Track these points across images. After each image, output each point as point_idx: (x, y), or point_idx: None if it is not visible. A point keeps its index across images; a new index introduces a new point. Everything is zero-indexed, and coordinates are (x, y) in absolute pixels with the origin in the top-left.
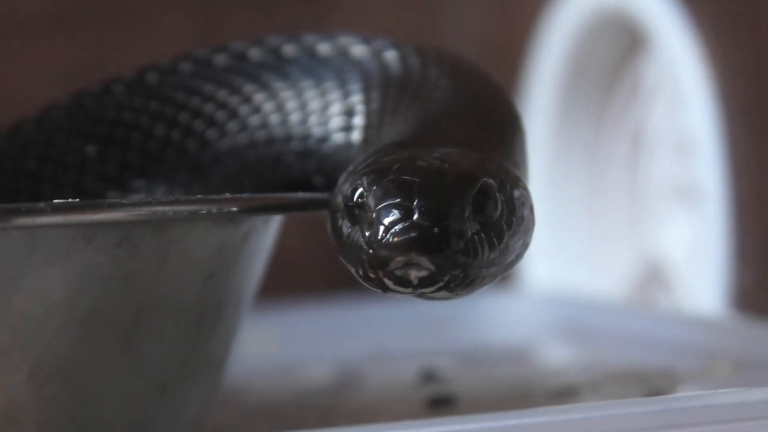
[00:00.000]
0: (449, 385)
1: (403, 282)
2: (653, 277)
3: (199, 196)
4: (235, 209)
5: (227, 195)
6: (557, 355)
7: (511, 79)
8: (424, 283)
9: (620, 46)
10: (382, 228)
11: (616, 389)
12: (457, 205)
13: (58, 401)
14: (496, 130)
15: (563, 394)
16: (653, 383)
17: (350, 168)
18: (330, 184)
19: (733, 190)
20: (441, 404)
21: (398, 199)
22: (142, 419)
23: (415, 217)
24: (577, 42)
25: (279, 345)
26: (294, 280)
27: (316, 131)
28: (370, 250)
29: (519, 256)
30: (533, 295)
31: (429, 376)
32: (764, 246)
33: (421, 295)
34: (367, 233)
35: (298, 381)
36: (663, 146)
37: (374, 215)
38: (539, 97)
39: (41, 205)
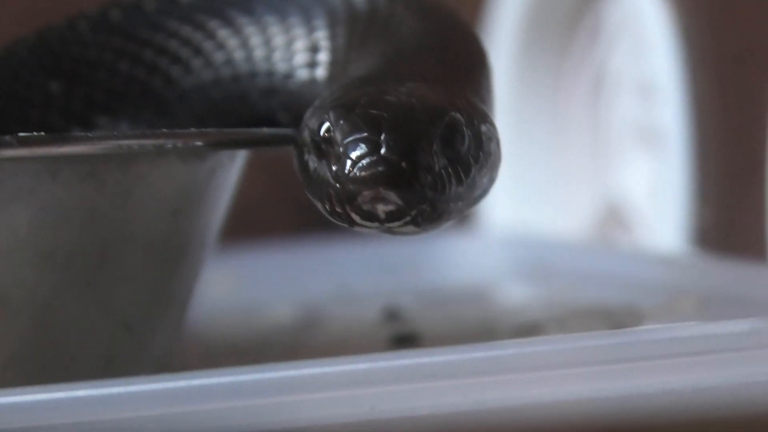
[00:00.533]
0: (413, 324)
1: (371, 216)
2: (614, 217)
3: (164, 130)
4: (200, 144)
5: (193, 130)
6: (520, 294)
7: (473, 20)
8: (391, 217)
9: None
10: (349, 162)
11: (580, 325)
12: (425, 139)
13: (25, 338)
14: (463, 65)
15: (528, 330)
16: (617, 319)
17: (317, 102)
18: (295, 121)
19: (695, 130)
20: (405, 342)
21: (366, 134)
22: (108, 355)
23: (383, 151)
24: None
25: (243, 286)
26: (258, 221)
27: (281, 67)
28: (337, 185)
29: (485, 191)
30: (495, 235)
31: (392, 315)
32: (725, 186)
33: (388, 230)
34: (334, 168)
35: (262, 321)
36: (625, 88)
37: (341, 149)
38: (501, 38)
39: (7, 138)
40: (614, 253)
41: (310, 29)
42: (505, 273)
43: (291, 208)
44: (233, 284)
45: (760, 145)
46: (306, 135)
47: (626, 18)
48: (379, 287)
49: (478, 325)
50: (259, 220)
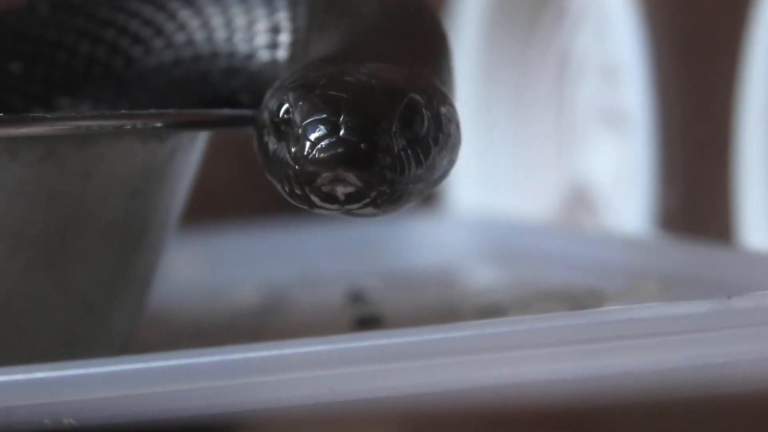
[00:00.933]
0: (376, 306)
1: (330, 198)
2: (579, 200)
3: (124, 111)
4: (160, 125)
5: (153, 110)
6: (483, 276)
7: (437, 3)
8: (351, 199)
9: None
10: (308, 143)
11: (543, 307)
12: (385, 120)
13: None
14: (424, 47)
15: (490, 312)
16: (580, 301)
17: (277, 84)
18: (257, 102)
19: (659, 113)
20: (368, 324)
21: (325, 115)
22: (69, 337)
23: (342, 132)
24: None
25: (206, 269)
26: (220, 204)
27: (242, 48)
28: (297, 166)
29: (445, 173)
30: (459, 217)
31: (356, 298)
32: (689, 169)
33: (348, 212)
34: (293, 149)
35: (226, 303)
36: (589, 71)
37: (300, 131)
38: (466, 21)
39: None
40: (579, 235)
41: (272, 10)
42: (471, 255)
43: (256, 190)
44: (198, 266)
45: (724, 127)
46: (265, 116)
47: (589, 1)
48: (344, 269)
49: (442, 307)
50: (224, 202)
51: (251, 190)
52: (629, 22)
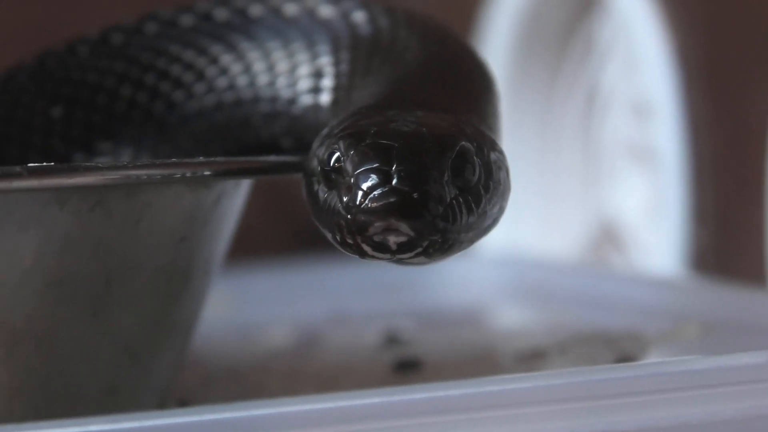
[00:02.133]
0: (413, 348)
1: (382, 248)
2: (608, 237)
3: (173, 159)
4: (208, 173)
5: (201, 159)
6: (517, 317)
7: (464, 38)
8: (402, 248)
9: (575, 4)
10: (360, 193)
11: (584, 352)
12: (436, 169)
13: (31, 366)
14: (470, 92)
15: (530, 356)
16: (621, 346)
17: (325, 131)
18: (298, 146)
19: (691, 150)
20: (407, 368)
21: (377, 164)
22: (113, 384)
23: (394, 182)
24: (531, 0)
25: (241, 308)
26: (255, 243)
27: (285, 93)
28: (348, 216)
29: (496, 221)
30: (489, 256)
31: (391, 339)
32: (721, 206)
33: (399, 261)
34: (345, 198)
35: (260, 344)
36: (617, 106)
37: (352, 180)
38: (493, 56)
39: (17, 168)
40: (611, 275)
41: (314, 54)
42: (502, 294)
43: (288, 230)
44: (231, 306)
45: (755, 165)
46: (315, 164)
47: (617, 35)
48: (376, 309)
49: (479, 350)
50: (257, 242)
51: (283, 230)
52: (660, 57)
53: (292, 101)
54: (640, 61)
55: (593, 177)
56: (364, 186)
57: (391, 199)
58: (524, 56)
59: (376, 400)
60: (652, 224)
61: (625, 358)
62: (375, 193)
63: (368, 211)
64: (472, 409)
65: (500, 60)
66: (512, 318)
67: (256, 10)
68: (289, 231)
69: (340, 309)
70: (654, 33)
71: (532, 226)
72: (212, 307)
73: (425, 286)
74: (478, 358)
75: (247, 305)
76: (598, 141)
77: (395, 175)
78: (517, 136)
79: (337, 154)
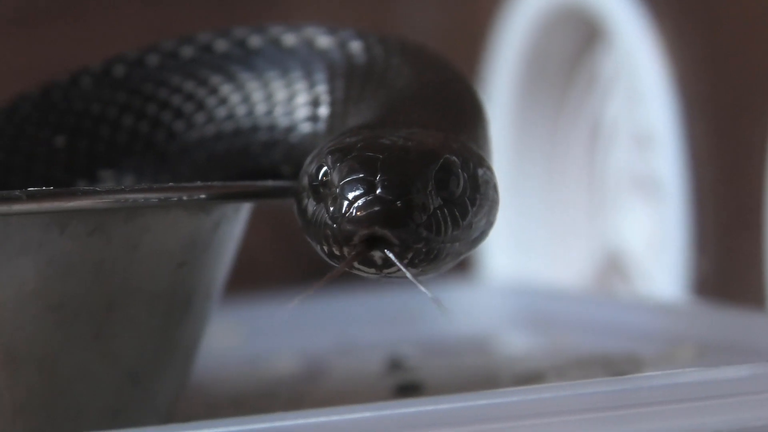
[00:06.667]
0: (416, 373)
1: (367, 261)
2: (612, 266)
3: (170, 184)
4: (204, 196)
5: (198, 183)
6: (520, 343)
7: (470, 71)
8: (388, 262)
9: (578, 38)
10: (346, 202)
11: (581, 374)
12: (420, 179)
13: (33, 389)
14: (460, 115)
15: (529, 379)
16: (618, 367)
17: (316, 150)
18: (297, 173)
19: (692, 181)
20: (409, 391)
21: (361, 174)
22: (115, 407)
23: (378, 191)
24: (536, 34)
25: (245, 338)
26: (259, 272)
27: (283, 122)
28: (334, 225)
29: (483, 234)
30: (494, 284)
31: (395, 365)
32: (723, 236)
33: (388, 276)
34: (331, 208)
35: (265, 372)
36: (621, 138)
37: (338, 190)
38: (498, 89)
39: (17, 192)
40: (613, 301)
41: (311, 83)
42: (505, 322)
43: (292, 259)
44: (236, 335)
45: (756, 194)
46: (305, 181)
47: (621, 68)
48: (381, 337)
49: (480, 374)
50: (261, 271)
51: (287, 259)
52: (661, 90)
53: (290, 129)
54: (642, 94)
55: (598, 207)
56: (350, 195)
57: (376, 208)
58: (529, 89)
59: (368, 414)
60: (656, 253)
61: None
62: (359, 202)
63: (353, 219)
64: (465, 422)
65: (506, 93)
66: (515, 345)
67: (255, 41)
68: (295, 262)
69: (346, 338)
70: (656, 66)
71: (539, 256)
72: (219, 337)
73: (430, 314)
74: (477, 382)
75: (254, 335)
76: (603, 172)
77: (379, 185)
78: (523, 167)
79: (324, 168)
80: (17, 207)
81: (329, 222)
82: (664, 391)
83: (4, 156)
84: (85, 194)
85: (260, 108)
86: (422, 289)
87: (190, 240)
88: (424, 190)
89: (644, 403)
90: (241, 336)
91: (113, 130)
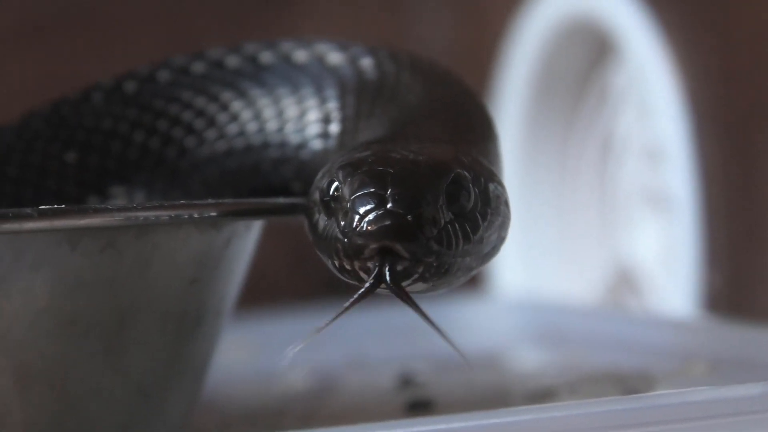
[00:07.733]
0: (427, 390)
1: (379, 276)
2: (623, 281)
3: (181, 201)
4: (214, 214)
5: (209, 200)
6: (530, 359)
7: (481, 86)
8: (399, 275)
9: (589, 52)
10: (357, 216)
11: (593, 390)
12: (431, 193)
13: (44, 405)
14: (470, 131)
15: (541, 396)
16: (630, 384)
17: (327, 166)
18: (308, 190)
19: (703, 195)
20: (420, 408)
21: (372, 189)
22: (126, 423)
23: (389, 205)
24: (547, 49)
25: (257, 353)
26: (270, 288)
27: (294, 138)
28: (345, 239)
29: (495, 249)
30: (505, 300)
31: (406, 381)
32: (734, 250)
33: (398, 294)
34: (342, 223)
35: (277, 388)
36: (632, 152)
37: (349, 205)
38: (509, 103)
39: (28, 210)
40: (625, 317)
41: (322, 100)
42: (517, 338)
43: (303, 275)
44: (247, 351)
45: (767, 209)
46: (316, 196)
47: (632, 82)
48: (392, 353)
49: (492, 391)
50: (276, 290)
51: (300, 276)
52: (672, 104)
53: (301, 146)
54: (653, 108)
55: (609, 222)
56: (361, 210)
57: (387, 222)
58: (540, 104)
59: None
60: (667, 268)
61: (632, 394)
62: (370, 216)
63: (363, 233)
64: None
65: (517, 108)
66: (526, 361)
67: (266, 57)
68: (307, 279)
69: (357, 354)
70: (666, 80)
71: (550, 271)
72: (231, 353)
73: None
74: (489, 399)
75: (265, 350)
76: (614, 187)
77: (390, 199)
78: (534, 182)
79: (336, 183)
80: (29, 225)
81: (340, 236)
82: (677, 409)
83: (15, 171)
84: (97, 212)
85: (271, 125)
86: (427, 317)
87: (201, 257)
88: (434, 204)
89: (657, 421)
90: (252, 351)
91: (124, 146)
